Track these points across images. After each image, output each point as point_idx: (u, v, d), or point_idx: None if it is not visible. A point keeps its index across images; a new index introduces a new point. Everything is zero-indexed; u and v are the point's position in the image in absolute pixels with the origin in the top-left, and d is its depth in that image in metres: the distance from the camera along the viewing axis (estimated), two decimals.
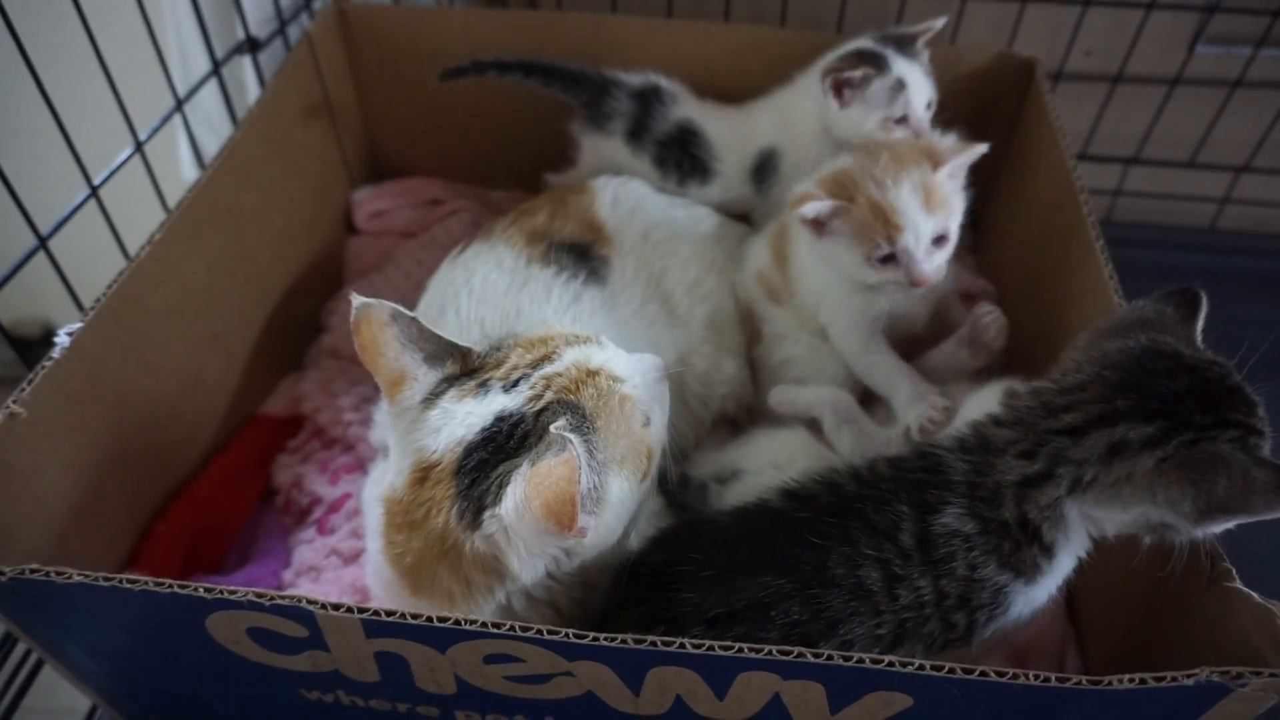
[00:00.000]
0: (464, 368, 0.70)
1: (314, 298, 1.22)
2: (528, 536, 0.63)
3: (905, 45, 1.02)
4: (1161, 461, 0.60)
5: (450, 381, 0.69)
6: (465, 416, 0.66)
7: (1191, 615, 0.66)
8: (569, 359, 0.69)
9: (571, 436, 0.61)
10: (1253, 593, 0.60)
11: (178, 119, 1.10)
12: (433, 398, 0.68)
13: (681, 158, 1.11)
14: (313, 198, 1.23)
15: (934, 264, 0.89)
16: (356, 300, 0.67)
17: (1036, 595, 0.68)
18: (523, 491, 0.61)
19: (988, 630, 0.68)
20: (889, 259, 0.88)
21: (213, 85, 1.16)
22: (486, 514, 0.63)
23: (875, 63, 0.99)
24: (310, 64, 1.20)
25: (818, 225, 0.90)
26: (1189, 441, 0.60)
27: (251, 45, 1.20)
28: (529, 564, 0.65)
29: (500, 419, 0.66)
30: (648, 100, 1.13)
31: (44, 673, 0.89)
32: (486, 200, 1.37)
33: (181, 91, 1.10)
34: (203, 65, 1.15)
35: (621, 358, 0.72)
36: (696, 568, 0.68)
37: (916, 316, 1.01)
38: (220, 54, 1.16)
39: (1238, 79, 1.34)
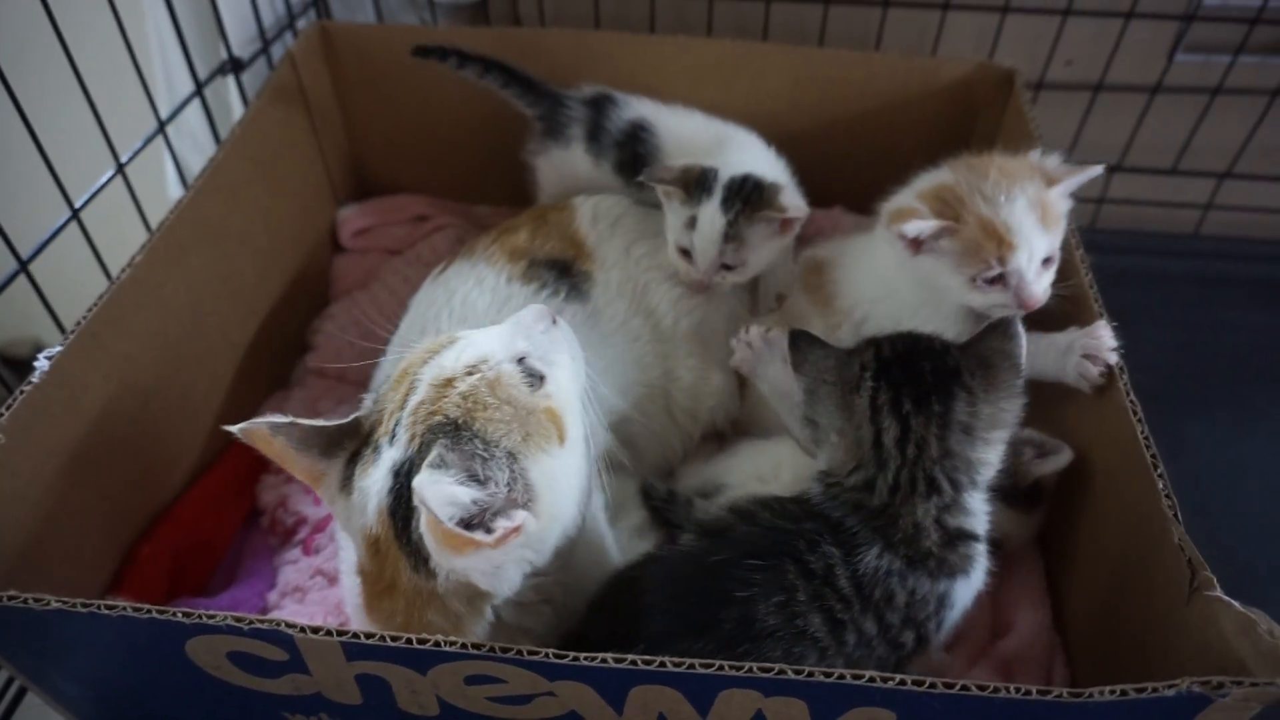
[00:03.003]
0: (362, 438, 0.70)
1: (300, 316, 1.22)
2: (473, 564, 0.63)
3: (748, 202, 0.95)
4: (981, 397, 0.68)
5: (354, 459, 0.69)
6: (375, 485, 0.66)
7: (1175, 625, 0.65)
8: (426, 380, 0.67)
9: (416, 486, 0.59)
10: (1234, 601, 0.60)
11: (165, 139, 1.10)
12: (347, 481, 0.69)
13: (635, 160, 1.09)
14: (298, 216, 1.23)
15: (1043, 285, 0.84)
16: (236, 429, 0.68)
17: (976, 580, 0.70)
18: (431, 541, 0.61)
19: (941, 634, 0.69)
20: (996, 280, 0.84)
21: (200, 106, 1.16)
22: (431, 563, 0.63)
23: (691, 190, 0.97)
24: (293, 83, 1.21)
25: (915, 243, 0.85)
26: (968, 375, 0.69)
27: (234, 65, 1.20)
28: (500, 578, 0.65)
29: (396, 474, 0.65)
30: (600, 105, 1.12)
31: (28, 698, 0.88)
32: (471, 216, 1.38)
33: (167, 113, 1.10)
34: (188, 86, 1.15)
35: (480, 339, 0.70)
36: (632, 640, 0.66)
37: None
38: (205, 74, 1.16)
39: (1217, 86, 1.35)
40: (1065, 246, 0.91)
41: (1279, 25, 1.31)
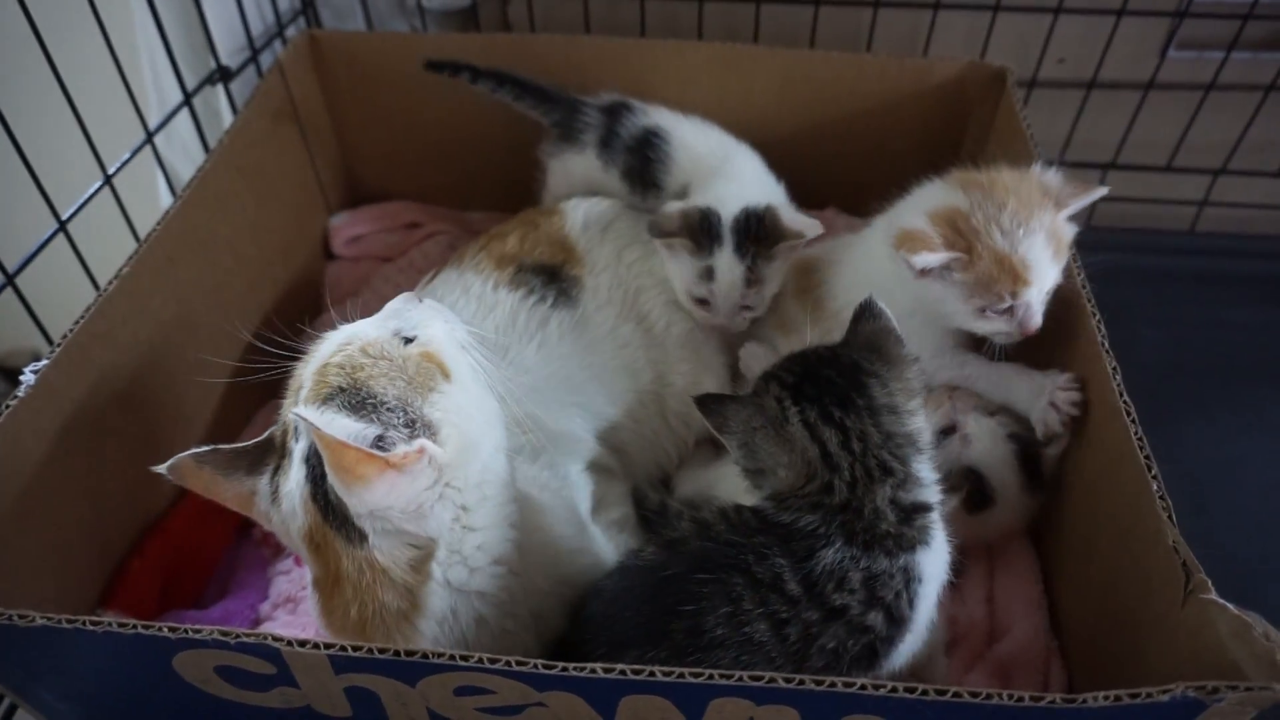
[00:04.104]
0: (278, 451, 0.72)
1: (292, 325, 1.21)
2: (387, 499, 0.64)
3: (758, 238, 0.95)
4: (888, 375, 0.71)
5: (276, 472, 0.71)
6: (294, 481, 0.68)
7: (1170, 629, 0.65)
8: (309, 374, 0.70)
9: (299, 411, 0.64)
10: (1229, 604, 0.59)
11: (153, 150, 1.10)
12: (275, 493, 0.70)
13: (644, 167, 1.08)
14: (288, 225, 1.22)
15: (1043, 312, 0.85)
16: (162, 468, 0.71)
17: (939, 550, 0.70)
18: (336, 476, 0.63)
19: (921, 611, 0.69)
20: (1005, 310, 0.84)
21: (190, 115, 1.16)
22: (356, 520, 0.65)
23: (700, 237, 0.95)
24: (282, 91, 1.20)
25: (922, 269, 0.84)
26: (867, 363, 0.72)
27: (223, 75, 1.20)
28: (426, 518, 0.66)
29: (308, 460, 0.67)
30: (616, 112, 1.12)
31: (19, 714, 0.88)
32: (464, 222, 1.37)
33: (158, 123, 1.09)
34: (178, 96, 1.15)
35: (349, 327, 0.73)
36: (592, 648, 0.69)
37: None
38: (194, 84, 1.15)
39: (1211, 82, 1.34)
40: None
41: (1271, 21, 1.31)
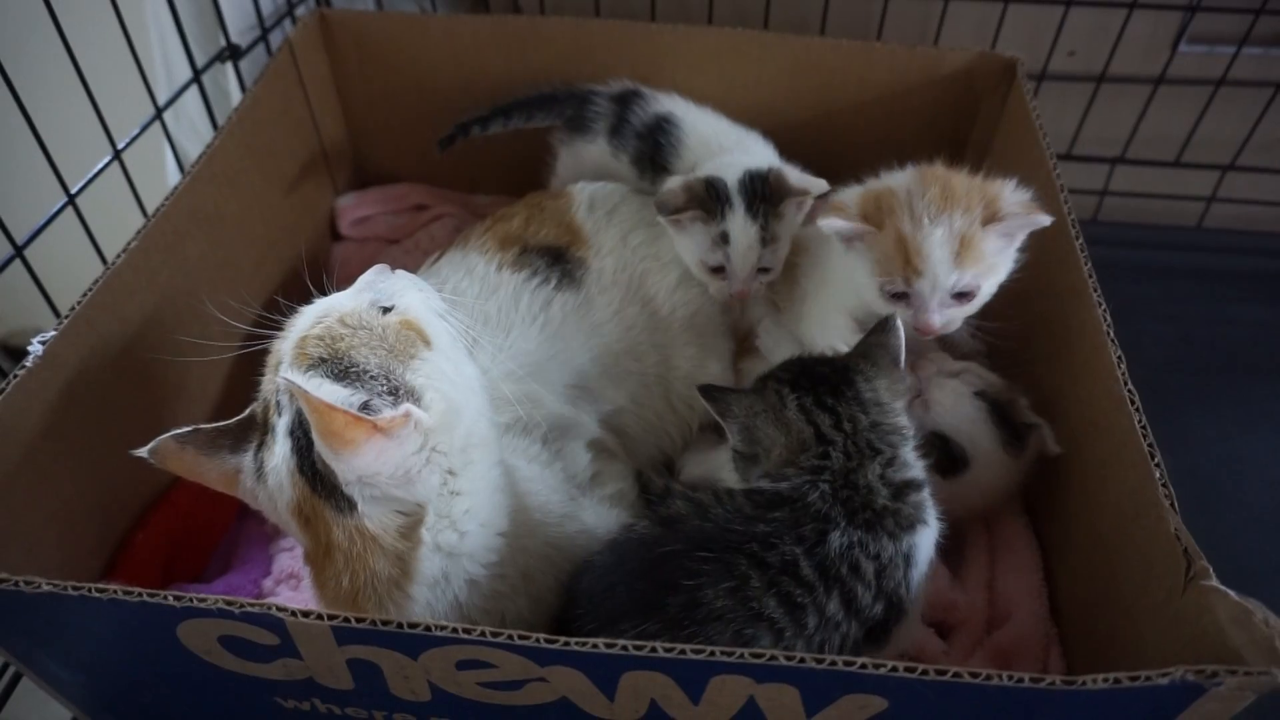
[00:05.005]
0: (260, 428, 0.72)
1: (298, 304, 1.21)
2: (375, 464, 0.64)
3: (765, 197, 0.95)
4: (872, 374, 0.77)
5: (260, 449, 0.70)
6: (280, 455, 0.68)
7: (1171, 615, 0.65)
8: (289, 348, 0.70)
9: (286, 376, 0.64)
10: (1230, 591, 0.59)
11: (162, 126, 1.10)
12: (259, 469, 0.70)
13: (654, 151, 1.08)
14: (296, 204, 1.22)
15: (945, 317, 0.84)
16: (143, 451, 0.70)
17: (933, 525, 0.74)
18: (323, 444, 0.63)
19: (914, 590, 0.71)
20: (901, 296, 0.85)
21: (199, 93, 1.16)
22: (345, 488, 0.65)
23: (710, 204, 0.95)
24: (291, 71, 1.20)
25: (846, 237, 0.87)
26: (855, 364, 0.79)
27: (233, 53, 1.20)
28: (415, 483, 0.66)
29: (293, 434, 0.67)
30: (626, 100, 1.13)
31: (24, 682, 0.88)
32: (470, 205, 1.38)
33: (165, 100, 1.09)
34: (187, 73, 1.15)
35: (324, 300, 0.74)
36: (585, 622, 0.71)
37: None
38: (204, 62, 1.15)
39: (1221, 78, 1.34)
40: (1064, 238, 0.91)
41: None
